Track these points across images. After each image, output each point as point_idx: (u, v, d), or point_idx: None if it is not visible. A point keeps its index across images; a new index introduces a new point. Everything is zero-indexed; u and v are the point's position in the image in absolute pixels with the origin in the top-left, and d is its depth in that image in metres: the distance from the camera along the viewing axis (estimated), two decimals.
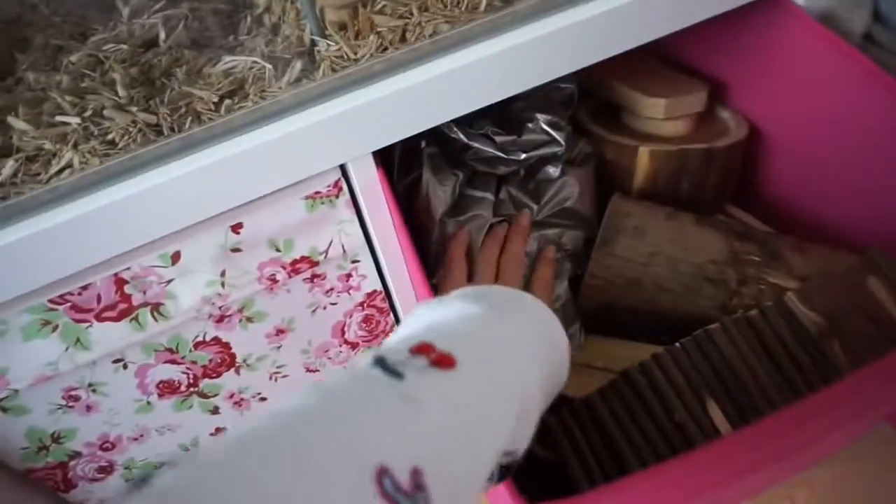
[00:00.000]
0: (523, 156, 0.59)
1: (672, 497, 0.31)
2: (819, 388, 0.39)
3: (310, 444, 0.26)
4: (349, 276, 0.64)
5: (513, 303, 0.41)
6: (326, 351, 0.70)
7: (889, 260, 0.50)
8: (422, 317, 0.37)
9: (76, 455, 0.65)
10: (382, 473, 0.25)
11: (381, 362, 0.31)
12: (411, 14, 0.53)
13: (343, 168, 0.54)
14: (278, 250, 0.56)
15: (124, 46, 0.55)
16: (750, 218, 0.72)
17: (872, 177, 0.57)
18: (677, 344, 0.48)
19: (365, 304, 0.68)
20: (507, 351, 0.35)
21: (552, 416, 0.49)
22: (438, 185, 0.57)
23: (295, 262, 0.58)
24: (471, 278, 0.54)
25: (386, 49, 0.51)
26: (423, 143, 0.60)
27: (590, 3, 0.50)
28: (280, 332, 0.64)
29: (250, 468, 0.24)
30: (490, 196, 0.58)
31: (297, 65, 0.52)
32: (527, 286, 0.55)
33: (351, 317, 0.68)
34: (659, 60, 0.76)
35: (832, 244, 0.56)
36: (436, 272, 0.57)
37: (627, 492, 0.32)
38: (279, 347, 0.66)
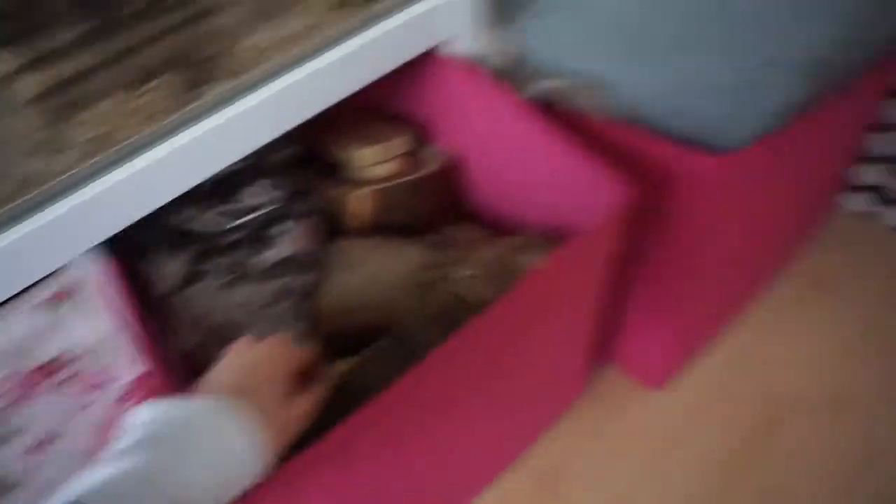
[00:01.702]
0: (249, 217, 0.64)
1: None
2: None
3: None
4: (101, 372, 0.64)
5: (186, 435, 0.42)
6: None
7: (539, 238, 0.65)
8: (82, 480, 0.39)
9: None
10: None
11: None
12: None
13: (71, 266, 0.56)
14: (20, 359, 0.56)
15: None
16: (471, 230, 0.84)
17: (526, 178, 0.71)
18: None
19: (125, 397, 0.67)
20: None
21: None
22: (167, 263, 0.61)
23: (41, 367, 0.57)
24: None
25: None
26: (148, 227, 0.63)
27: (258, 90, 0.58)
28: (43, 444, 0.62)
29: None
30: (220, 263, 0.63)
31: None
32: None
33: (112, 413, 0.67)
34: (368, 111, 0.86)
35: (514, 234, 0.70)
36: (180, 347, 0.61)
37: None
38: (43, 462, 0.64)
